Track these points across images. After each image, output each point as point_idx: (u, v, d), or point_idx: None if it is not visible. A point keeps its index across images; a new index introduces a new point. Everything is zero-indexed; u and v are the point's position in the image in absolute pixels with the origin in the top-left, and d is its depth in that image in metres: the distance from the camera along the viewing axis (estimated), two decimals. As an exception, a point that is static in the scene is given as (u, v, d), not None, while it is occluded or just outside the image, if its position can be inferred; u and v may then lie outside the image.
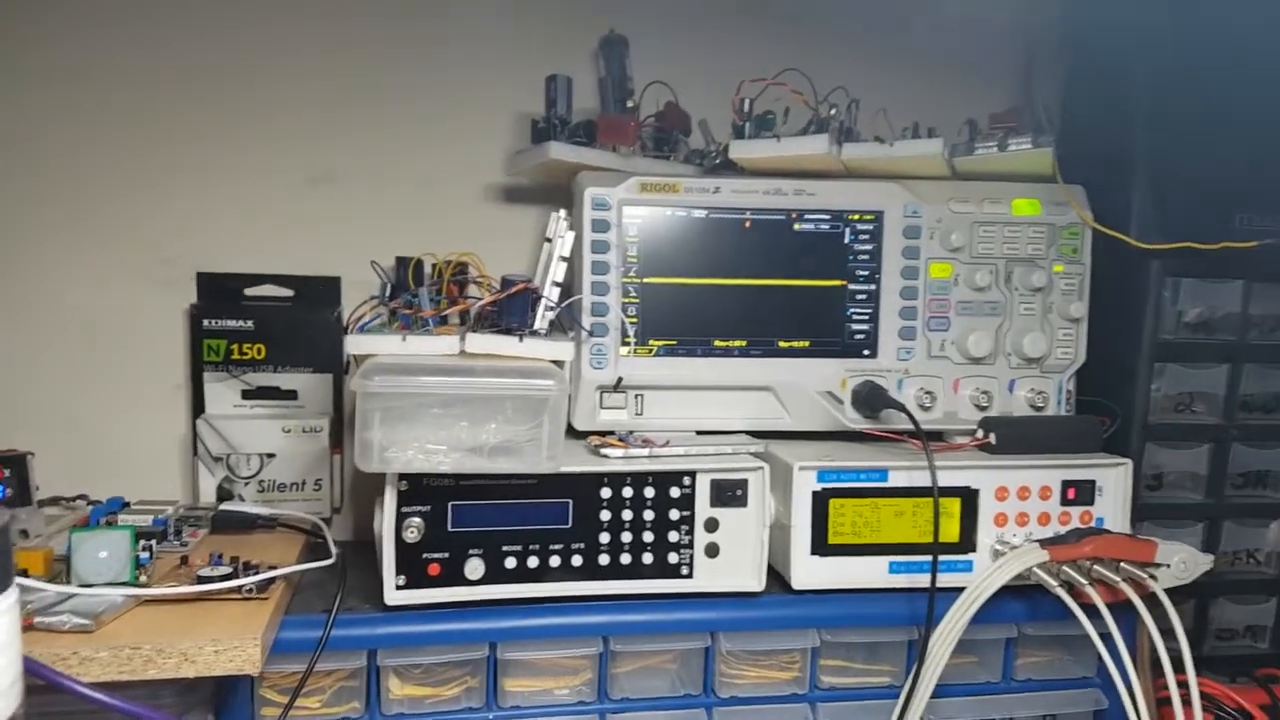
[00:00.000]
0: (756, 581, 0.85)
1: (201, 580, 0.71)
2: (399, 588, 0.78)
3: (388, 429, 0.73)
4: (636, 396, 0.94)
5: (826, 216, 0.93)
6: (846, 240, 0.94)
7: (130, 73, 1.00)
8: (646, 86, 0.98)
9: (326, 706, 0.78)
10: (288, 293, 1.01)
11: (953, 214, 0.94)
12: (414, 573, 0.78)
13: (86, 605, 0.66)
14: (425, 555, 0.79)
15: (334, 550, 0.84)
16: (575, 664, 0.83)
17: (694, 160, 0.98)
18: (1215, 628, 1.03)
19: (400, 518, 0.78)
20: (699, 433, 0.93)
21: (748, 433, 0.94)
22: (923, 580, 0.85)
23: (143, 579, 0.71)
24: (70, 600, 0.67)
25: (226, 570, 0.72)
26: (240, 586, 0.71)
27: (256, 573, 0.73)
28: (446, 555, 0.79)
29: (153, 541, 0.74)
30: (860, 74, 0.97)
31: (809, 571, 0.86)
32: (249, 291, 1.00)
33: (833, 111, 0.91)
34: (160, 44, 1.00)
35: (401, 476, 0.77)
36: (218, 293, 0.99)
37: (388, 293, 0.86)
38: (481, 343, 0.80)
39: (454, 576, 0.79)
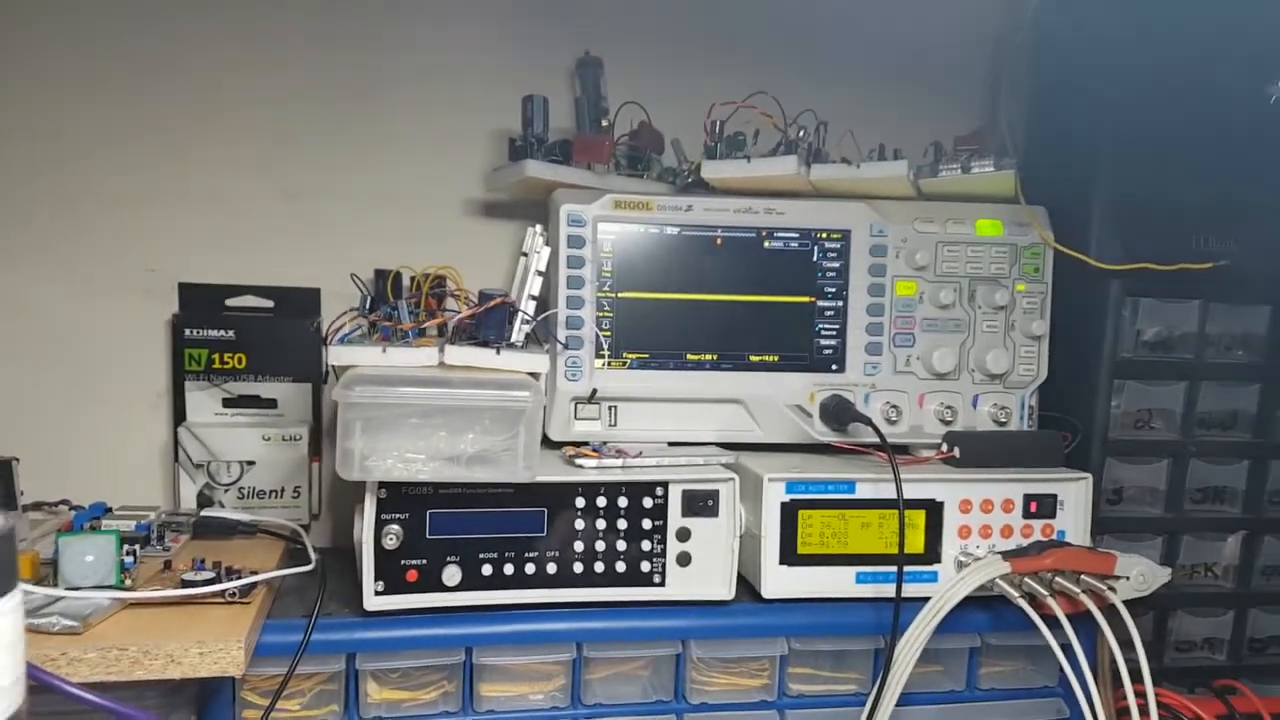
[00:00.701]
0: (727, 590, 0.87)
1: (185, 584, 0.72)
2: (378, 593, 0.80)
3: (368, 438, 0.75)
4: (610, 408, 0.96)
5: (795, 235, 0.96)
6: (815, 258, 0.96)
7: (112, 89, 1.01)
8: (620, 107, 1.01)
9: (306, 709, 0.80)
10: (268, 303, 1.03)
11: (918, 233, 0.97)
12: (392, 579, 0.80)
13: (74, 608, 0.67)
14: (404, 562, 0.80)
15: (313, 556, 0.85)
16: (550, 669, 0.85)
17: (666, 178, 1.01)
18: (1174, 639, 1.06)
19: (379, 525, 0.79)
20: (671, 444, 0.96)
21: (718, 444, 0.97)
22: (889, 590, 0.88)
23: (128, 583, 0.72)
24: (58, 603, 0.68)
25: (210, 575, 0.74)
26: (223, 591, 0.72)
27: (239, 578, 0.74)
28: (424, 562, 0.81)
29: (136, 546, 0.75)
30: (828, 96, 1.00)
31: (778, 581, 0.88)
32: (230, 302, 1.02)
33: (801, 133, 0.94)
34: (142, 61, 1.02)
35: (381, 485, 0.79)
36: (199, 303, 1.01)
37: (368, 305, 0.88)
38: (460, 355, 0.82)
39: (432, 583, 0.81)
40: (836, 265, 0.97)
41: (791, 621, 0.88)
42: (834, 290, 0.97)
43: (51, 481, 0.95)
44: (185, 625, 0.69)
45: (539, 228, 0.90)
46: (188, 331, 0.99)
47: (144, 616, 0.71)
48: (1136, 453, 1.02)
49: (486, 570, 0.82)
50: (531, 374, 0.83)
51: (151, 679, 0.66)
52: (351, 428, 0.74)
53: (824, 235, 0.96)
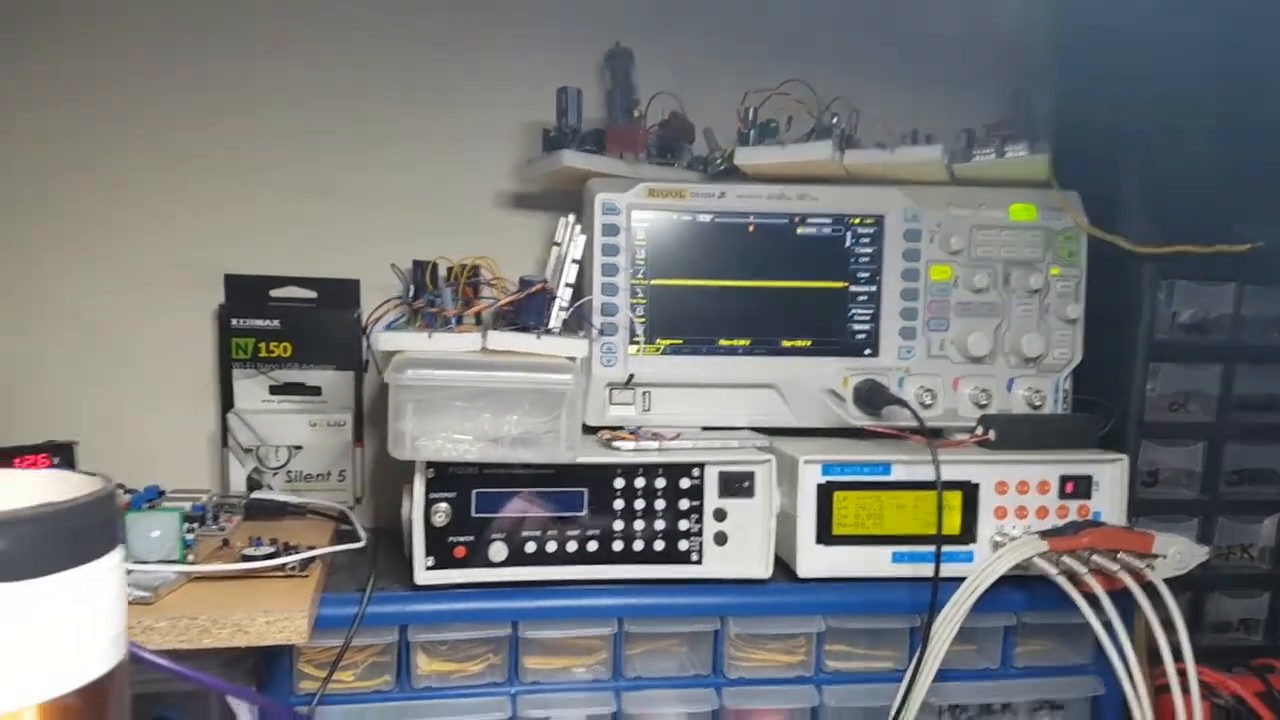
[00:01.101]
0: (763, 569, 0.88)
1: (246, 559, 0.75)
2: (428, 568, 0.82)
3: (418, 420, 0.77)
4: (644, 394, 0.98)
5: (829, 220, 0.97)
6: (848, 244, 0.98)
7: (160, 90, 1.05)
8: (653, 97, 1.03)
9: (360, 680, 0.82)
10: (310, 294, 1.06)
11: (952, 218, 0.98)
12: (441, 554, 0.83)
13: (144, 580, 0.71)
14: (451, 538, 0.83)
15: (363, 534, 0.88)
16: (591, 644, 0.87)
17: (697, 167, 1.02)
18: (1210, 620, 1.07)
19: (429, 503, 0.82)
20: (704, 429, 0.97)
21: (752, 429, 0.98)
22: (924, 570, 0.89)
23: (190, 558, 0.75)
24: (129, 575, 0.71)
25: (269, 550, 0.77)
26: (283, 565, 0.75)
27: (296, 553, 0.77)
28: (471, 539, 0.83)
29: (195, 525, 0.78)
30: (860, 84, 1.01)
31: (814, 560, 0.90)
32: (274, 293, 1.05)
33: (834, 119, 0.95)
34: (193, 62, 1.05)
35: (429, 464, 0.82)
36: (244, 293, 1.04)
37: (411, 293, 0.90)
38: (502, 340, 0.84)
39: (479, 559, 0.83)
40: (870, 250, 0.98)
41: (827, 600, 0.89)
42: (867, 275, 0.98)
43: (105, 466, 0.97)
44: (248, 597, 0.72)
45: (571, 217, 0.92)
46: (234, 321, 1.02)
47: (208, 590, 0.74)
48: (1172, 435, 1.03)
49: (530, 547, 0.85)
50: (570, 358, 0.85)
51: (220, 647, 0.68)
52: (403, 409, 0.77)
53: (857, 220, 0.97)
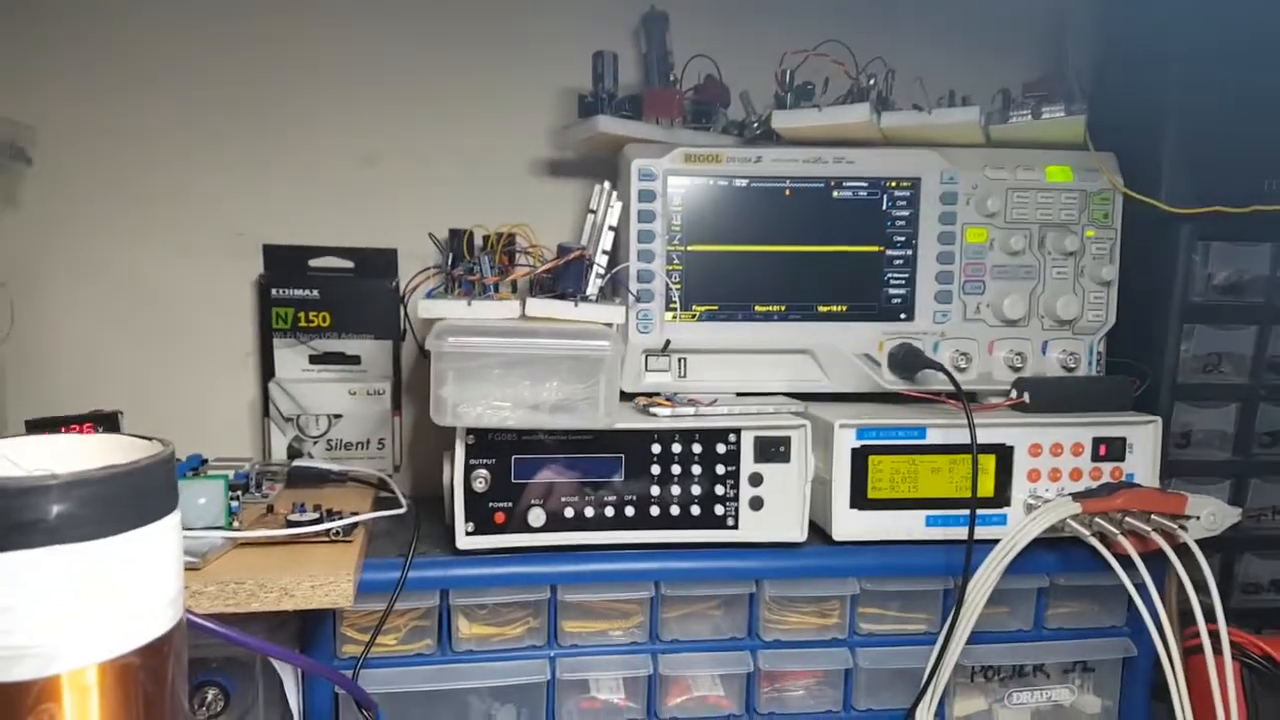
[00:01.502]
0: (799, 532, 0.89)
1: (291, 525, 0.76)
2: (468, 533, 0.84)
3: (459, 386, 0.78)
4: (680, 360, 0.99)
5: (865, 184, 0.97)
6: (884, 207, 0.97)
7: (205, 66, 1.06)
8: (689, 61, 1.02)
9: (402, 644, 0.84)
10: (348, 264, 1.06)
11: (988, 180, 0.97)
12: (481, 520, 0.84)
13: (191, 546, 0.72)
14: (491, 504, 0.84)
15: (404, 501, 0.89)
16: (628, 608, 0.89)
17: (732, 131, 1.02)
18: (1241, 581, 1.07)
19: (469, 469, 0.83)
20: (739, 394, 0.98)
21: (786, 394, 0.99)
22: (958, 533, 0.90)
23: (235, 524, 0.77)
24: (177, 540, 0.73)
25: (313, 516, 0.78)
26: (328, 530, 0.77)
27: (340, 519, 0.78)
28: (510, 504, 0.84)
29: (239, 492, 0.79)
30: (895, 45, 1.00)
31: (849, 524, 0.91)
32: (312, 263, 1.05)
33: (871, 81, 0.94)
34: (234, 41, 1.06)
35: (469, 431, 0.83)
36: (283, 264, 1.04)
37: (449, 262, 0.91)
38: (540, 307, 0.85)
39: (518, 524, 0.85)
40: (906, 214, 0.97)
41: (862, 563, 0.90)
42: (903, 239, 0.98)
43: (149, 435, 1.00)
44: (294, 562, 0.73)
45: (607, 185, 0.92)
46: (274, 291, 1.03)
47: (253, 555, 0.75)
48: (1206, 397, 1.03)
49: (568, 513, 0.86)
50: (608, 325, 0.86)
51: (266, 611, 0.70)
52: (444, 376, 0.78)
53: (893, 184, 0.97)
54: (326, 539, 0.77)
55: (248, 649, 0.75)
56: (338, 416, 1.02)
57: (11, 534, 0.39)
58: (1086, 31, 1.14)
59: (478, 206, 1.07)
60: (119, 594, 0.42)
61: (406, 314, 1.07)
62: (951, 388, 0.90)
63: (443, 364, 0.78)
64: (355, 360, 1.04)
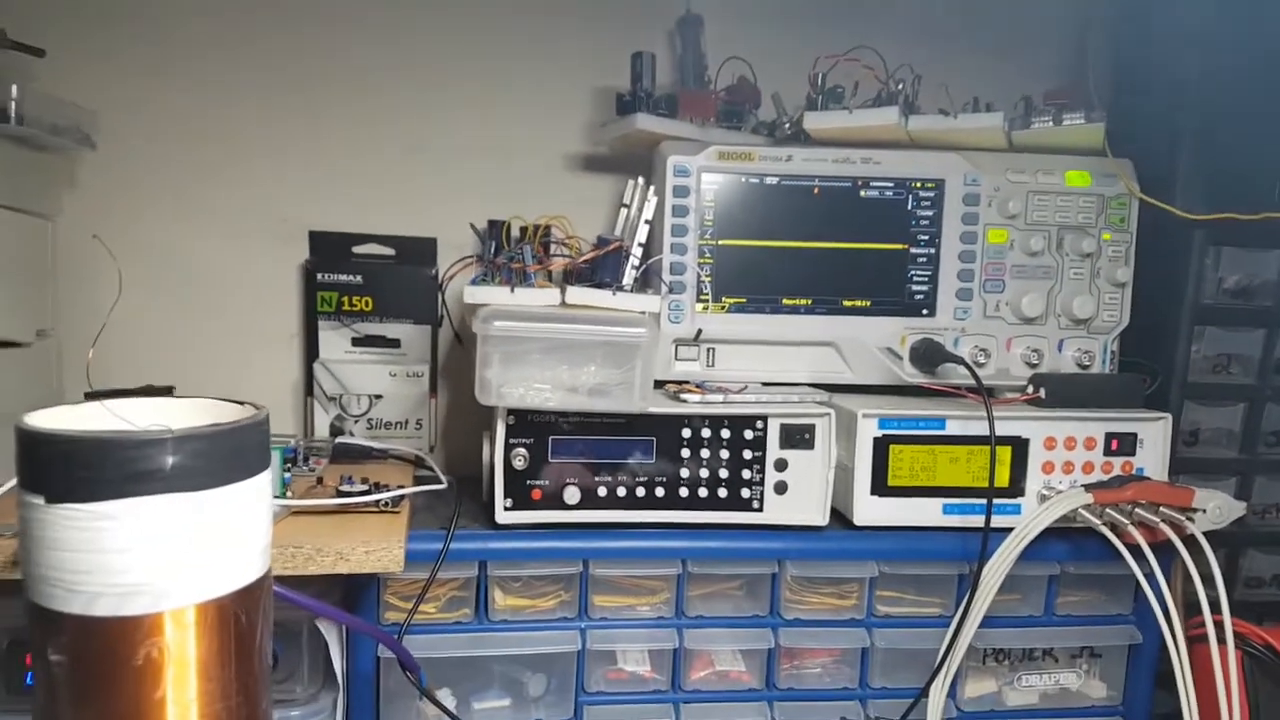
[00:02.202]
0: (821, 517, 0.93)
1: (343, 495, 0.81)
2: (507, 509, 0.88)
3: (503, 369, 0.82)
4: (708, 349, 1.02)
5: (891, 184, 1.01)
6: (909, 207, 1.01)
7: (255, 54, 1.10)
8: (724, 63, 1.06)
9: (442, 612, 0.88)
10: (390, 251, 1.10)
11: (1009, 183, 1.01)
12: (519, 496, 0.88)
13: (252, 511, 0.76)
14: (529, 481, 0.88)
15: (444, 478, 0.94)
16: (655, 585, 0.93)
17: (761, 131, 1.05)
18: (1244, 576, 1.11)
19: (508, 448, 0.87)
20: (765, 384, 1.02)
21: (810, 384, 1.02)
22: (974, 520, 0.93)
23: (289, 494, 0.81)
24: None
25: (364, 488, 0.82)
26: (377, 501, 0.81)
27: (388, 491, 0.82)
28: (547, 482, 0.89)
29: (289, 465, 0.84)
30: (921, 52, 1.04)
31: (869, 509, 0.95)
32: (356, 249, 1.10)
33: (900, 86, 0.98)
34: (287, 31, 1.10)
35: (510, 411, 0.87)
36: (329, 249, 1.09)
37: (491, 250, 0.95)
38: (580, 295, 0.89)
39: (554, 501, 0.89)
40: (930, 214, 1.01)
41: (881, 547, 0.94)
42: (926, 238, 1.02)
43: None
44: (346, 530, 0.78)
45: (641, 180, 0.96)
46: (320, 276, 1.07)
47: (307, 523, 0.79)
48: (1214, 396, 1.07)
49: (602, 492, 0.90)
50: (645, 313, 0.90)
51: (322, 574, 0.74)
52: (490, 358, 0.82)
53: (918, 185, 1.01)
54: (375, 509, 0.81)
55: (310, 611, 0.79)
56: (378, 397, 1.06)
57: (130, 482, 0.43)
58: (1106, 42, 1.18)
59: (513, 198, 1.11)
60: (222, 541, 0.47)
61: (444, 301, 1.11)
62: (970, 382, 0.94)
63: (488, 347, 0.82)
64: (395, 344, 1.08)
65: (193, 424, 0.46)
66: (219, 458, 0.46)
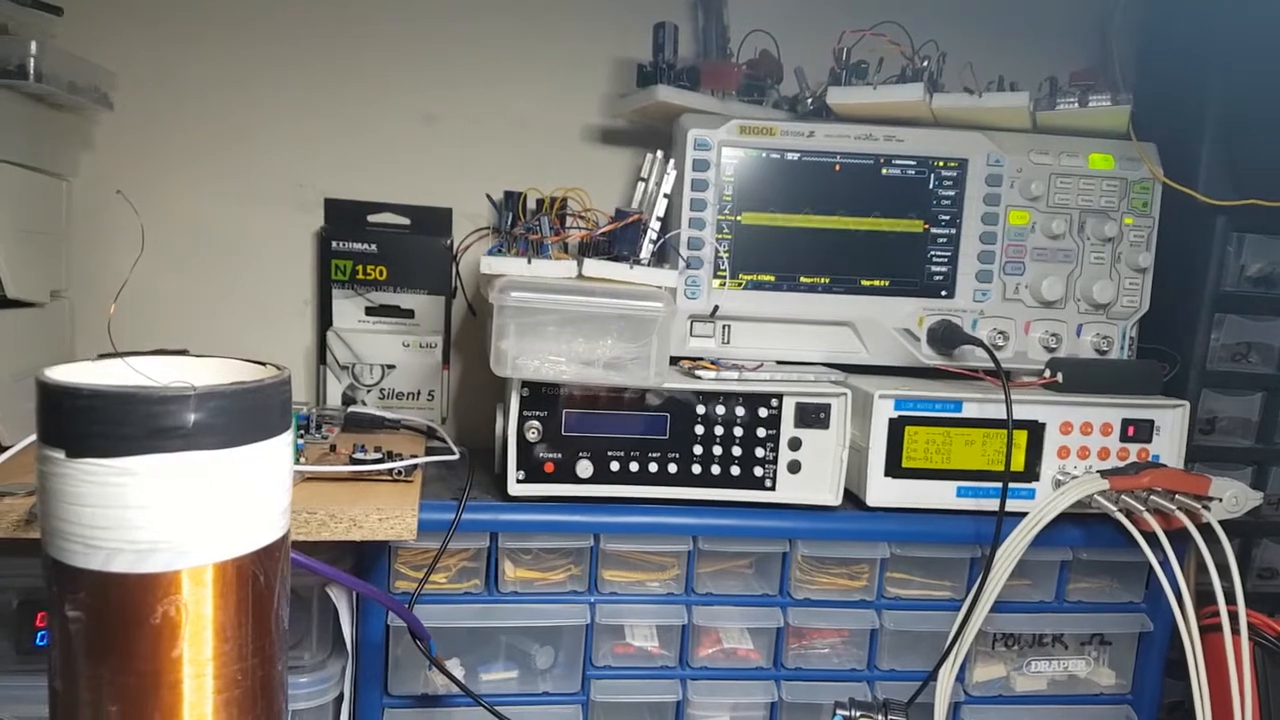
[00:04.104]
0: (834, 497, 0.93)
1: (356, 462, 0.80)
2: (519, 481, 0.87)
3: (519, 340, 0.82)
4: (724, 327, 1.02)
5: (913, 162, 0.99)
6: (931, 185, 1.00)
7: (274, 22, 1.09)
8: (747, 35, 1.05)
9: (452, 582, 0.88)
10: (405, 221, 1.10)
11: (1032, 165, 1.00)
12: (532, 468, 0.88)
13: (266, 476, 0.76)
14: (542, 454, 0.88)
15: (456, 449, 0.93)
16: (665, 560, 0.93)
17: (782, 106, 1.04)
18: (1257, 567, 1.10)
19: (522, 420, 0.87)
20: (779, 362, 1.01)
21: (826, 365, 1.02)
22: (987, 504, 0.93)
23: (302, 460, 0.81)
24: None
25: (377, 456, 0.82)
26: (391, 470, 0.80)
27: (401, 460, 0.82)
28: (560, 455, 0.88)
29: (302, 432, 0.83)
30: (946, 29, 1.02)
31: (882, 491, 0.94)
32: (371, 218, 1.09)
33: (924, 63, 0.97)
34: (302, 1, 1.09)
35: (524, 384, 0.86)
36: (344, 217, 1.08)
37: (509, 222, 0.94)
38: (597, 268, 0.88)
39: (566, 474, 0.88)
40: (951, 193, 1.00)
41: (894, 528, 0.94)
42: (947, 218, 1.01)
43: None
44: (360, 497, 0.77)
45: (660, 154, 0.95)
46: (334, 244, 1.06)
47: (321, 489, 0.79)
48: (1232, 384, 1.06)
49: (614, 466, 0.89)
50: (662, 288, 0.89)
51: (335, 540, 0.74)
52: (506, 330, 0.81)
53: (941, 163, 1.00)
54: (389, 478, 0.81)
55: (324, 577, 0.78)
56: (391, 367, 1.06)
57: (152, 438, 0.43)
58: (1131, 24, 1.16)
59: (528, 170, 1.10)
60: (242, 500, 0.46)
61: (458, 272, 1.10)
62: (986, 365, 0.93)
63: (505, 318, 0.81)
64: (409, 314, 1.08)
65: (215, 382, 0.45)
66: (242, 416, 0.45)
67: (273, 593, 0.49)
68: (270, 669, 0.49)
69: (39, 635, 0.84)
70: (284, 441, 0.48)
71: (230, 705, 0.47)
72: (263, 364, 0.52)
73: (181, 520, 0.44)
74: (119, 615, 0.45)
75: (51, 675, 0.47)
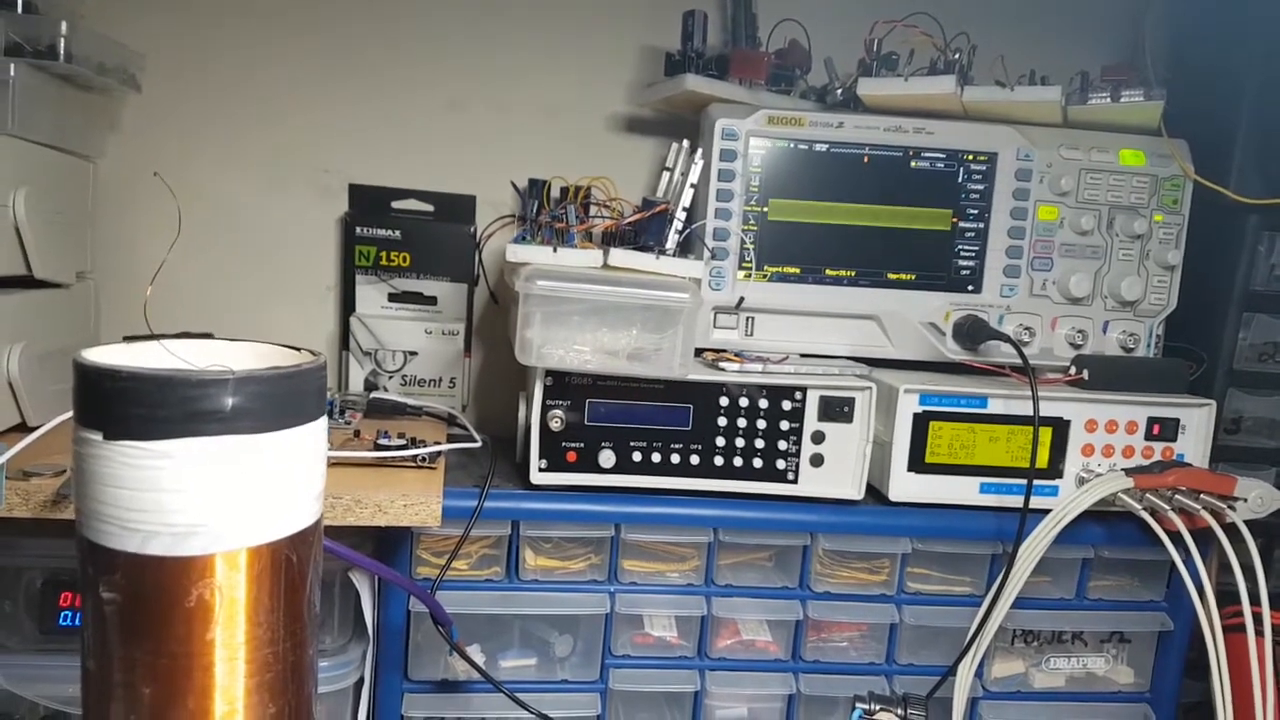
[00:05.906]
0: (857, 491, 0.92)
1: (380, 449, 0.80)
2: (541, 469, 0.87)
3: (544, 329, 0.82)
4: (748, 319, 1.01)
5: (942, 155, 0.99)
6: (960, 179, 0.99)
7: (303, 11, 1.09)
8: (777, 25, 1.04)
9: (472, 570, 0.89)
10: (428, 208, 1.10)
11: (1062, 160, 0.99)
12: (554, 457, 0.88)
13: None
14: (564, 443, 0.88)
15: (478, 436, 0.93)
16: (685, 552, 0.92)
17: (810, 96, 1.04)
18: (1279, 569, 1.09)
19: (545, 409, 0.87)
20: (803, 355, 1.01)
21: (850, 358, 1.01)
22: (1011, 501, 0.93)
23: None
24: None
25: (401, 442, 0.82)
26: (415, 456, 0.80)
27: (424, 447, 0.82)
28: (582, 445, 0.88)
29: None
30: (977, 21, 1.01)
31: (905, 486, 0.94)
32: (395, 204, 1.09)
33: (956, 55, 0.96)
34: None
35: (548, 373, 0.86)
36: (368, 203, 1.08)
37: (534, 210, 0.93)
38: (623, 257, 0.88)
39: (589, 464, 0.88)
40: (980, 187, 0.99)
41: (916, 523, 0.93)
42: (976, 212, 1.00)
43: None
44: (384, 483, 0.78)
45: (686, 143, 0.94)
46: (358, 230, 1.06)
47: (345, 474, 0.79)
48: (1260, 384, 1.05)
49: (637, 457, 0.89)
50: (688, 278, 0.89)
51: (360, 525, 0.74)
52: (531, 318, 0.81)
53: (970, 157, 0.99)
54: (412, 464, 0.81)
55: (350, 562, 0.78)
56: (413, 354, 1.06)
57: (190, 422, 0.43)
58: (1165, 18, 1.15)
59: (552, 158, 1.10)
60: (277, 484, 0.46)
61: (481, 259, 1.10)
62: (1013, 360, 0.93)
63: (530, 306, 0.81)
64: (432, 301, 1.08)
65: (252, 366, 0.45)
66: (278, 401, 0.45)
67: (305, 577, 0.49)
68: (301, 653, 0.50)
69: (61, 615, 0.85)
70: (319, 426, 0.48)
71: (261, 689, 0.48)
72: (296, 349, 0.52)
73: (218, 504, 0.44)
74: (154, 597, 0.45)
75: (84, 656, 0.47)
